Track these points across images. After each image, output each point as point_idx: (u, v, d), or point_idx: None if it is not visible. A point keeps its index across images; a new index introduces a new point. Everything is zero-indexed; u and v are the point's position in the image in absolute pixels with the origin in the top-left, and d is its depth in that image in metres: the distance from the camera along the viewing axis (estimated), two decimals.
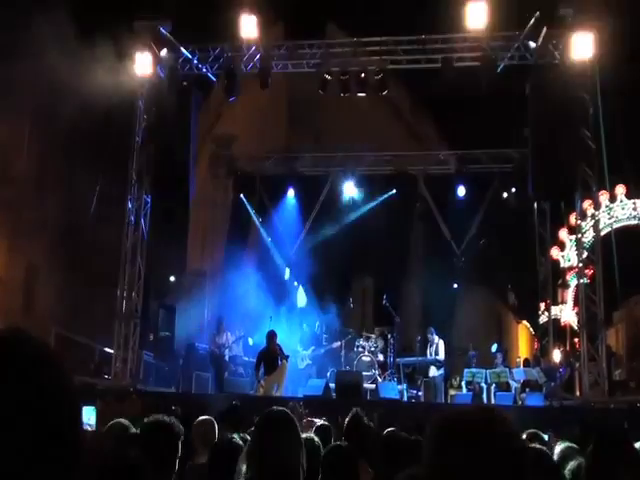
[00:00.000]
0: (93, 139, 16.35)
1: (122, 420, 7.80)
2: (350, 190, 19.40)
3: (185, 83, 16.76)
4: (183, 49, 16.93)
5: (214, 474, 4.00)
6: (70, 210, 16.29)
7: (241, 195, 19.75)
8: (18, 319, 15.18)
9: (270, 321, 15.93)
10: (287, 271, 18.90)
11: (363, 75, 16.46)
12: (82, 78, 17.45)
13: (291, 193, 19.46)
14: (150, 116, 16.82)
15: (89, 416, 9.43)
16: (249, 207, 19.67)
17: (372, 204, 19.39)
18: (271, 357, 14.44)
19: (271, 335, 14.64)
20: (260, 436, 3.38)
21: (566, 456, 4.66)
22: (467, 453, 1.28)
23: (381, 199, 19.24)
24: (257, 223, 19.71)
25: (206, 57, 17.05)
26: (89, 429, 8.16)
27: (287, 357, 14.77)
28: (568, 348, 17.27)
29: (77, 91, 17.51)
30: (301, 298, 18.45)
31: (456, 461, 1.29)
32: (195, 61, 17.10)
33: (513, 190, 17.61)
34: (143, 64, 16.48)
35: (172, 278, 16.82)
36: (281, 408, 3.52)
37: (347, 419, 6.14)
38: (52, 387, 1.13)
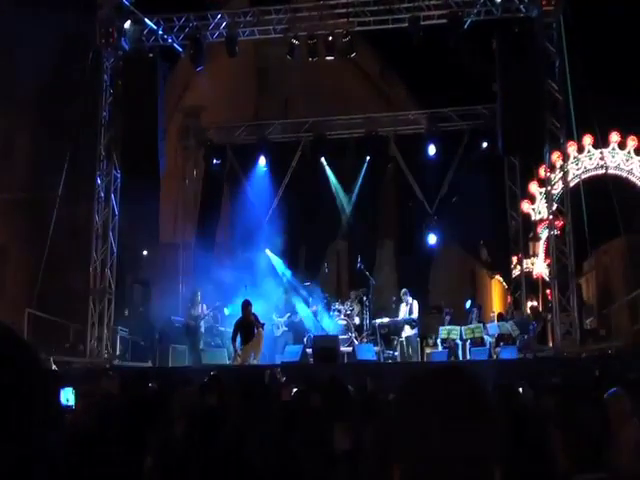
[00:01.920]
0: (59, 115, 16.23)
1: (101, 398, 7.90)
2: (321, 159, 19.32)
3: (151, 55, 16.61)
4: (147, 20, 16.78)
5: (189, 443, 4.04)
6: (38, 188, 16.21)
7: (211, 164, 19.59)
8: None
9: (245, 290, 16.00)
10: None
11: (330, 38, 16.39)
12: (45, 52, 17.32)
13: (262, 161, 19.34)
14: (116, 90, 16.69)
15: (67, 396, 9.48)
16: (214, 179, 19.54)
17: (349, 174, 19.30)
18: (247, 326, 14.52)
19: (246, 304, 14.70)
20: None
21: None
22: (423, 411, 1.32)
23: (362, 174, 19.15)
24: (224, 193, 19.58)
25: (171, 27, 16.93)
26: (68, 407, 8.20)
27: (263, 325, 14.86)
28: (541, 299, 17.41)
29: (41, 66, 17.39)
30: (276, 264, 18.48)
31: (413, 417, 1.33)
32: (160, 32, 16.96)
33: (484, 145, 17.57)
34: (107, 37, 16.31)
35: (145, 252, 16.79)
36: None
37: (326, 382, 6.21)
38: (21, 368, 1.14)
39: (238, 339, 14.45)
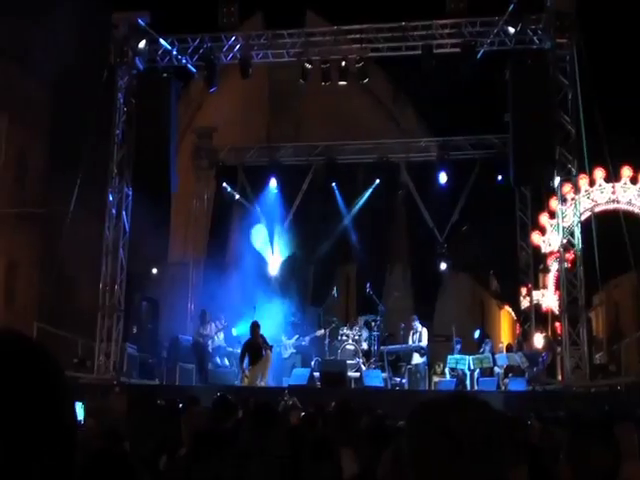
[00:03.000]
0: (73, 132, 16.27)
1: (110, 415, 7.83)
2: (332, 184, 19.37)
3: (165, 74, 16.72)
4: (162, 40, 16.86)
5: (196, 463, 3.93)
6: (50, 204, 16.19)
7: (224, 184, 19.62)
8: (0, 315, 15.11)
9: (254, 311, 15.94)
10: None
11: (344, 63, 16.48)
12: (60, 70, 17.41)
13: (273, 183, 19.37)
14: (130, 109, 16.77)
15: (77, 411, 9.41)
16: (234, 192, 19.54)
17: (358, 198, 19.31)
18: (255, 347, 14.49)
19: (254, 326, 14.67)
20: None
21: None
22: (437, 437, 1.31)
23: (367, 194, 19.19)
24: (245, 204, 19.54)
25: (185, 48, 17.00)
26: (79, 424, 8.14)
27: (271, 347, 14.81)
28: (550, 333, 17.33)
29: (55, 84, 17.47)
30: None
31: (426, 445, 1.32)
32: (174, 52, 17.03)
33: (499, 178, 17.60)
34: (122, 56, 16.40)
35: (154, 270, 16.75)
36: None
37: (333, 407, 6.17)
38: (46, 382, 1.13)
39: (246, 360, 14.38)
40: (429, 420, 1.35)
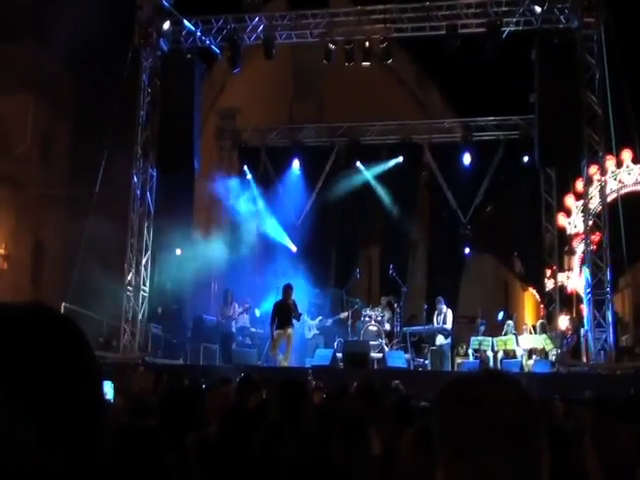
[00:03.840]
0: (98, 114, 16.33)
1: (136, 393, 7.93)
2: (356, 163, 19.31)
3: (189, 55, 16.69)
4: (186, 21, 16.85)
5: (224, 442, 3.99)
6: (76, 185, 16.30)
7: (245, 167, 19.64)
8: (27, 294, 15.27)
9: (277, 292, 15.95)
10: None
11: (367, 44, 16.38)
12: (85, 52, 17.46)
13: (296, 164, 19.34)
14: (154, 90, 16.80)
15: (107, 390, 9.52)
16: (252, 181, 19.55)
17: (378, 170, 19.23)
18: (285, 310, 14.52)
19: (287, 287, 14.75)
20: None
21: None
22: (469, 413, 1.29)
23: (387, 166, 19.11)
24: (256, 195, 19.55)
25: (209, 29, 16.97)
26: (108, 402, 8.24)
27: (300, 315, 14.85)
28: (575, 315, 17.19)
29: (79, 65, 17.53)
30: None
31: (458, 422, 1.30)
32: (198, 33, 17.01)
33: (525, 159, 17.41)
34: (146, 37, 16.40)
35: (179, 251, 16.84)
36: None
37: (355, 387, 6.27)
38: (78, 357, 1.13)
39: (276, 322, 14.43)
40: (460, 396, 1.32)
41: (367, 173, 19.25)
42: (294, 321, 14.83)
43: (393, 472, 3.57)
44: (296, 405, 4.10)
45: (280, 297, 14.84)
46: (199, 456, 3.87)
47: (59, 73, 17.68)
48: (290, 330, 14.57)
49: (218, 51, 17.46)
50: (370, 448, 3.86)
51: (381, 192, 19.16)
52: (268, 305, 15.87)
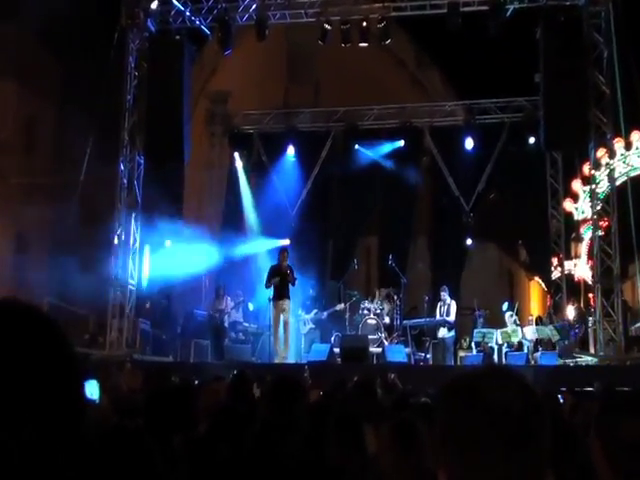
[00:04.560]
0: (84, 99, 15.77)
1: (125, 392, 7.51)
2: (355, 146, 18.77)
3: (178, 37, 16.20)
4: (175, 1, 16.28)
5: (212, 442, 3.82)
6: (60, 174, 15.77)
7: (235, 154, 19.08)
8: (8, 289, 14.84)
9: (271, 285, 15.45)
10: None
11: (365, 24, 15.92)
12: (69, 34, 16.87)
13: (291, 150, 18.76)
14: (141, 73, 16.31)
15: (92, 389, 9.03)
16: (240, 169, 19.03)
17: (376, 155, 18.69)
18: (281, 274, 14.24)
19: (282, 250, 14.65)
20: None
21: None
22: (472, 411, 1.26)
23: (387, 151, 18.57)
24: (243, 183, 19.00)
25: (199, 9, 16.47)
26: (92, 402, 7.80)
27: (295, 280, 14.54)
28: (582, 304, 16.78)
29: (63, 49, 16.96)
30: None
31: (460, 419, 1.27)
32: (188, 13, 16.51)
33: (531, 141, 16.87)
34: (133, 17, 15.85)
35: (168, 243, 16.32)
36: None
37: (353, 383, 6.40)
38: (55, 354, 1.13)
39: (272, 292, 14.09)
40: (463, 393, 1.30)
41: (365, 157, 18.65)
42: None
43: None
44: (289, 404, 3.92)
45: (276, 262, 14.62)
46: (186, 456, 3.77)
47: (43, 57, 17.08)
48: (287, 303, 14.34)
49: (208, 32, 16.94)
50: (366, 447, 3.73)
51: (380, 178, 18.60)
52: (262, 299, 15.40)
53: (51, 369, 1.11)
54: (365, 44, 16.18)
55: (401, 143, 18.46)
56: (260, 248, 17.82)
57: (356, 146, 18.65)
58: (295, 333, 15.33)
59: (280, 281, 14.22)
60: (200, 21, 16.56)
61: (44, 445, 1.07)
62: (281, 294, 14.27)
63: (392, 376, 10.00)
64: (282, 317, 14.33)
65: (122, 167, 15.92)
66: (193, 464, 3.66)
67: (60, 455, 1.09)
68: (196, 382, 8.10)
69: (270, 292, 14.59)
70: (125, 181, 15.89)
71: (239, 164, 19.07)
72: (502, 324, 15.55)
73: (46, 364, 1.10)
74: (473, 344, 15.50)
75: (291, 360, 14.85)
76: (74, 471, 1.10)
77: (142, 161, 16.16)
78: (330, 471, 3.46)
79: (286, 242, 17.50)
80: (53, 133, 16.98)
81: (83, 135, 15.00)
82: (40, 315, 1.16)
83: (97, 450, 2.16)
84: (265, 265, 15.98)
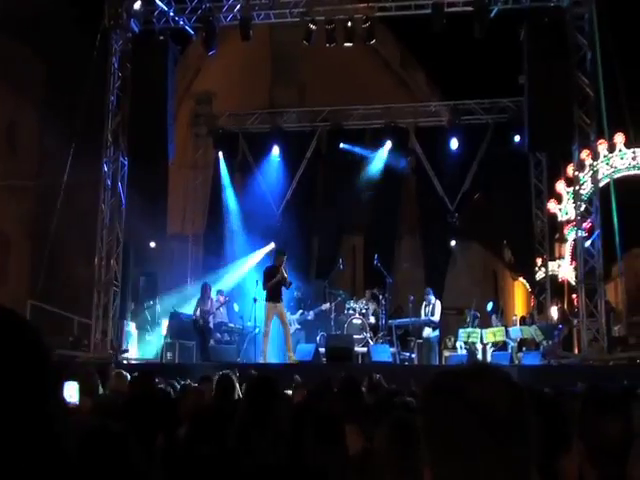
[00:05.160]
0: (66, 99, 15.62)
1: (107, 393, 7.44)
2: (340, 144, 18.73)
3: (161, 37, 16.01)
4: (158, 1, 16.13)
5: (193, 443, 3.80)
6: (42, 175, 15.59)
7: (219, 154, 18.99)
8: None
9: (256, 286, 15.38)
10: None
11: (350, 24, 15.82)
12: (51, 34, 16.68)
13: (276, 150, 18.70)
14: (125, 73, 16.16)
15: (71, 392, 8.90)
16: (224, 169, 18.92)
17: (362, 157, 18.66)
18: (278, 276, 14.11)
19: (280, 252, 14.60)
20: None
21: None
22: (457, 410, 1.25)
23: (372, 151, 18.54)
24: (227, 184, 18.92)
25: (183, 9, 16.32)
26: (72, 404, 7.71)
27: (290, 283, 14.49)
28: (566, 305, 16.84)
29: (46, 49, 16.76)
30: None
31: (445, 419, 1.26)
32: (171, 13, 16.35)
33: (516, 139, 16.88)
34: (116, 18, 15.70)
35: (152, 244, 16.17)
36: None
37: (339, 383, 6.07)
38: (29, 354, 1.13)
39: (265, 294, 14.10)
40: (448, 391, 1.28)
41: (350, 157, 18.63)
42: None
43: (372, 471, 3.44)
44: (266, 403, 3.87)
45: (272, 263, 14.58)
46: (166, 458, 3.79)
47: (25, 58, 16.89)
48: (280, 305, 14.24)
49: (192, 32, 16.80)
50: (345, 447, 3.67)
51: (365, 179, 18.56)
52: (247, 299, 15.35)
53: (22, 372, 1.10)
54: (350, 44, 16.10)
55: (386, 143, 18.47)
56: (247, 261, 17.74)
57: (341, 145, 18.63)
58: (279, 334, 15.28)
59: (276, 284, 14.14)
60: (184, 21, 16.41)
61: (12, 449, 1.06)
62: (276, 296, 14.18)
63: (377, 376, 9.93)
64: (278, 319, 14.24)
65: (106, 168, 15.75)
66: (173, 464, 3.65)
67: (30, 459, 1.08)
68: (182, 383, 8.08)
69: (257, 293, 14.54)
70: (109, 182, 15.72)
71: (223, 164, 18.95)
72: (487, 324, 15.60)
73: (17, 367, 1.09)
74: (458, 344, 15.49)
75: (276, 360, 14.79)
76: (46, 474, 1.10)
77: (126, 162, 15.99)
78: (307, 471, 3.40)
79: (271, 246, 17.47)
80: (35, 134, 16.78)
81: (66, 136, 14.84)
82: (13, 317, 1.16)
83: (75, 451, 2.14)
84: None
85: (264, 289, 14.22)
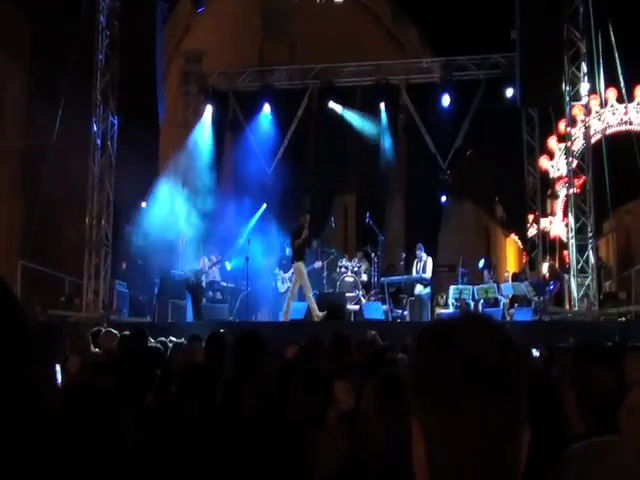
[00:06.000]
0: (54, 59, 15.38)
1: (95, 352, 7.46)
2: (329, 103, 18.56)
3: None
4: None
5: (183, 401, 3.80)
6: (31, 135, 15.42)
7: (206, 108, 18.77)
8: None
9: (248, 244, 15.39)
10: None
11: None
12: None
13: (267, 109, 18.55)
14: (113, 31, 15.92)
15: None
16: (209, 124, 18.73)
17: (354, 114, 18.50)
18: (305, 236, 13.93)
19: (304, 214, 14.43)
20: None
21: None
22: (448, 360, 1.22)
23: (364, 108, 18.38)
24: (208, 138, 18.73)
25: None
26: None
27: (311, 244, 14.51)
28: (557, 261, 16.84)
29: (32, 9, 16.45)
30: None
31: (436, 369, 1.23)
32: None
33: (510, 93, 16.73)
34: None
35: (144, 204, 16.08)
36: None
37: (329, 339, 6.17)
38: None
39: (293, 254, 13.95)
40: (437, 341, 1.25)
41: (342, 115, 18.46)
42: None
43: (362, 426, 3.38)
44: (252, 359, 3.96)
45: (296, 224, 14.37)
46: (156, 416, 3.79)
47: (11, 17, 16.57)
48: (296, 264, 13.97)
49: None
50: (334, 401, 3.67)
51: (357, 136, 18.42)
52: (239, 257, 15.34)
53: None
54: (341, 0, 16.00)
55: (378, 104, 18.28)
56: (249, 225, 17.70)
57: (332, 103, 18.46)
58: (273, 292, 15.29)
59: (303, 242, 13.98)
60: None
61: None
62: (303, 256, 14.03)
63: (372, 333, 9.94)
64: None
65: (95, 127, 15.66)
66: (160, 424, 3.62)
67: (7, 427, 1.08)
68: (173, 342, 8.11)
69: (249, 252, 14.57)
70: (99, 141, 15.64)
71: (207, 120, 18.71)
72: (479, 281, 15.63)
73: None
74: (450, 301, 15.52)
75: (268, 318, 14.84)
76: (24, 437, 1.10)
77: (116, 121, 15.88)
78: (291, 426, 3.39)
79: (263, 207, 17.42)
80: (23, 95, 16.56)
81: (54, 96, 14.65)
82: None
83: (59, 412, 2.08)
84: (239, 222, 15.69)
85: (296, 247, 13.92)
